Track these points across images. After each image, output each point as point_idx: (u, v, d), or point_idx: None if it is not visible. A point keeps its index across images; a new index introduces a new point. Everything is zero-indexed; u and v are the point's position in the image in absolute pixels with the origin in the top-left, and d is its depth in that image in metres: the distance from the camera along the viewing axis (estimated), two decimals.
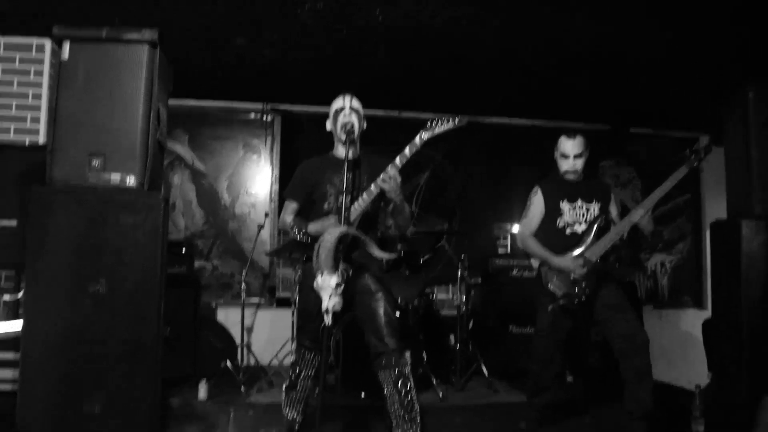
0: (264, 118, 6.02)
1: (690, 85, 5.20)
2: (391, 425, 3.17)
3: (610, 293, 3.60)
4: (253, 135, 6.01)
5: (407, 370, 3.16)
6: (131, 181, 2.57)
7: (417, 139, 3.05)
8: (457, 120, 3.07)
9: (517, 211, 6.32)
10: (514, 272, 5.73)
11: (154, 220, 2.55)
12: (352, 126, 3.20)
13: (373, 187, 3.11)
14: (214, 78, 5.12)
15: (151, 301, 2.53)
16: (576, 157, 3.69)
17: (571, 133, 3.75)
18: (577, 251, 3.57)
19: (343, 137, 3.17)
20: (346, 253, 2.98)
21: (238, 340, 5.21)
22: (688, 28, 4.13)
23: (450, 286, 6.15)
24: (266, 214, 5.24)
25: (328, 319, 2.74)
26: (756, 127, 3.43)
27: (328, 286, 2.78)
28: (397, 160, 3.06)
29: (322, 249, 2.87)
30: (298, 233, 3.27)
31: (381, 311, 3.19)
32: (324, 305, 2.76)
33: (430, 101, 5.89)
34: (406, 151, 3.06)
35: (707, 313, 6.34)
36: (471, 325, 5.20)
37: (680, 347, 5.92)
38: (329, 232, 2.92)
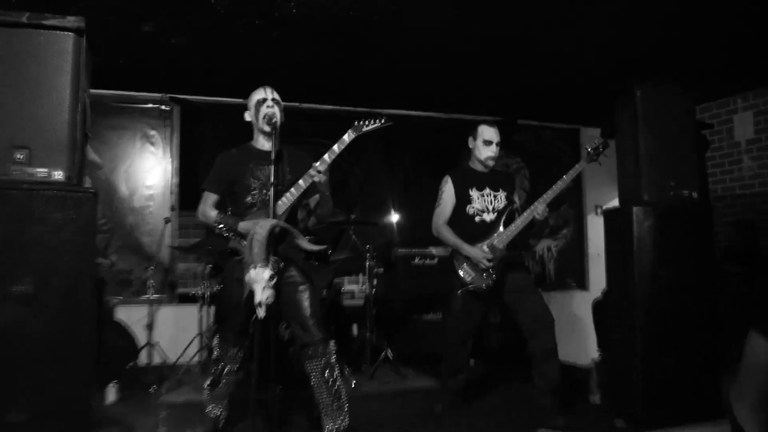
0: (162, 108, 5.78)
1: (574, 83, 5.61)
2: (319, 415, 3.22)
3: (518, 277, 3.83)
4: (150, 126, 5.76)
5: (333, 359, 3.23)
6: (59, 175, 2.42)
7: (346, 137, 3.21)
8: (383, 120, 3.30)
9: (409, 203, 6.56)
10: (416, 261, 5.91)
11: (84, 215, 2.41)
12: (275, 116, 3.22)
13: (302, 181, 3.17)
14: (115, 66, 4.85)
15: (82, 299, 2.40)
16: (497, 144, 3.87)
17: (489, 122, 3.93)
18: (487, 241, 3.76)
19: (267, 128, 3.20)
20: (274, 246, 3.01)
21: (139, 339, 5.02)
22: (577, 34, 4.47)
23: (357, 276, 6.24)
24: (172, 208, 5.05)
25: (261, 312, 2.76)
26: (643, 123, 3.77)
27: (261, 279, 2.80)
28: (327, 156, 3.16)
29: (255, 242, 2.87)
30: (225, 229, 3.22)
31: (307, 303, 3.23)
32: (257, 298, 2.77)
33: (330, 93, 5.94)
34: (335, 147, 3.19)
35: (589, 294, 6.88)
36: (374, 312, 5.31)
37: (567, 326, 6.35)
38: (261, 225, 2.93)
